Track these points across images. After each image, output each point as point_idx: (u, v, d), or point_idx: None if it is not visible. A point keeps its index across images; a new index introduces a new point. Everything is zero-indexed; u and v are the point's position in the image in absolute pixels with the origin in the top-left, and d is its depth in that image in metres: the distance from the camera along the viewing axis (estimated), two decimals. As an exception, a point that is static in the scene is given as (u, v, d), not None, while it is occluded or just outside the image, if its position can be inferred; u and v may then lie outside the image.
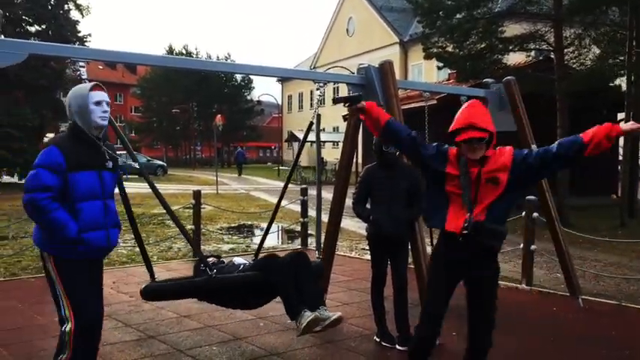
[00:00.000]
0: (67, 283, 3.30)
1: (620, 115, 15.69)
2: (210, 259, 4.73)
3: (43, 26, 26.36)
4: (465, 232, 3.20)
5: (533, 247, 7.03)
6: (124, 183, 3.81)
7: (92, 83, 3.47)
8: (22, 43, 3.99)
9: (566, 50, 14.49)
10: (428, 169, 3.43)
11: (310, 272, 4.22)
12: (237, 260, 4.68)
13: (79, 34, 26.87)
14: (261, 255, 4.90)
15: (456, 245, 3.26)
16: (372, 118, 3.51)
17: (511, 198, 3.30)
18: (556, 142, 3.26)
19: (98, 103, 3.38)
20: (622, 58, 14.51)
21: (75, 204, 3.27)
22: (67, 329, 3.27)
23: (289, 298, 3.99)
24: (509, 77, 6.47)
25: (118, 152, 3.63)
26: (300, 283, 4.03)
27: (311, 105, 45.06)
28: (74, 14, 27.15)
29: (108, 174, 3.45)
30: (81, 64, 3.91)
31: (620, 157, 15.26)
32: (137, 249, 5.18)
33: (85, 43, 26.55)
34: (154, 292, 4.14)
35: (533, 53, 16.26)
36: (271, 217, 5.18)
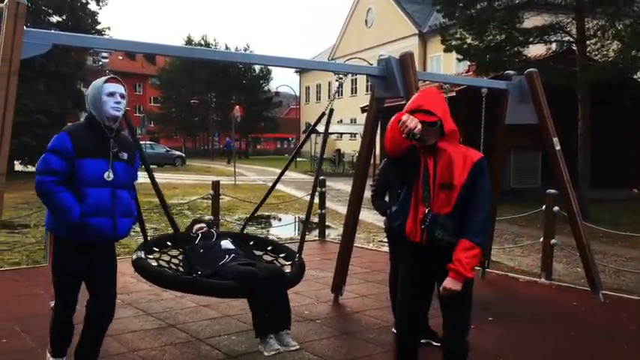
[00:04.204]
0: (57, 262, 3.51)
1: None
2: (201, 225, 5.16)
3: (63, 17, 26.68)
4: None
5: (553, 240, 6.97)
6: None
7: (109, 76, 3.58)
8: (46, 34, 4.02)
9: (588, 42, 14.26)
10: None
11: (284, 291, 4.37)
12: (225, 244, 4.79)
13: (98, 27, 27.11)
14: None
15: None
16: None
17: None
18: (472, 222, 3.05)
19: (111, 94, 3.47)
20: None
21: (81, 189, 3.39)
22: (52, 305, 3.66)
23: (258, 317, 4.19)
24: (531, 69, 6.38)
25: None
26: (273, 301, 4.23)
27: (329, 96, 44.95)
28: (92, 6, 27.44)
29: (120, 165, 3.52)
30: (104, 54, 3.95)
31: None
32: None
33: (104, 36, 26.79)
34: (141, 268, 4.35)
35: (553, 45, 15.98)
36: (265, 194, 5.62)
